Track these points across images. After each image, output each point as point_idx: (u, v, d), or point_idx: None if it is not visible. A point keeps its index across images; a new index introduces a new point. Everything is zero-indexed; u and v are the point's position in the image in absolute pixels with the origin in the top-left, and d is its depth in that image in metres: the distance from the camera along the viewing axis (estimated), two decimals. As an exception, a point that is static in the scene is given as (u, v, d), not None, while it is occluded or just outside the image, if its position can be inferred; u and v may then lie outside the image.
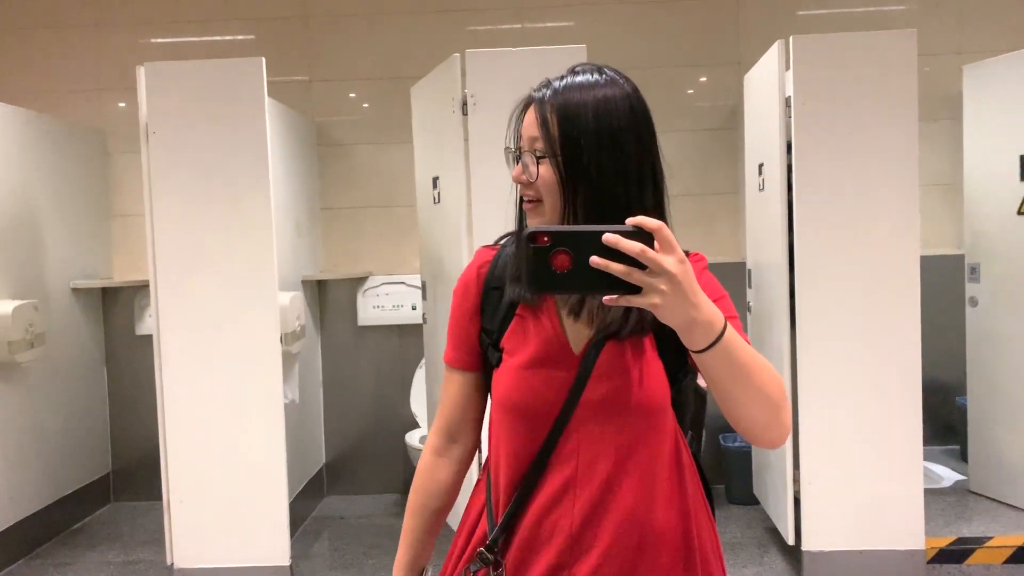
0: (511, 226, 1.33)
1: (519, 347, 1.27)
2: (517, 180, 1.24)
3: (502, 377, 1.28)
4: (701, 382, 1.30)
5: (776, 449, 1.19)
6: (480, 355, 1.34)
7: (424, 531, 1.37)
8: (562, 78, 1.22)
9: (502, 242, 1.36)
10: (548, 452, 1.24)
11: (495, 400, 1.31)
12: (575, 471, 1.24)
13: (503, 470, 1.29)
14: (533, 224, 1.22)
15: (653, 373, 1.23)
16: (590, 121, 1.17)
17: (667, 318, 1.00)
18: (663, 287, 0.96)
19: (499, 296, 1.30)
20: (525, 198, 1.24)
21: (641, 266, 0.95)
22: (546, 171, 1.19)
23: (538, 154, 1.20)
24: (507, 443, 1.28)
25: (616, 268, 0.95)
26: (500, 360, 1.29)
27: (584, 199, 1.17)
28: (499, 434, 1.30)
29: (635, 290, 0.97)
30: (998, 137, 3.91)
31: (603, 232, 0.95)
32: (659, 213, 1.20)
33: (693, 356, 1.06)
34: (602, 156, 1.17)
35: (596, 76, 1.21)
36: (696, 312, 1.00)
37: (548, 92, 1.21)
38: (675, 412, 1.28)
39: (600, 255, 0.95)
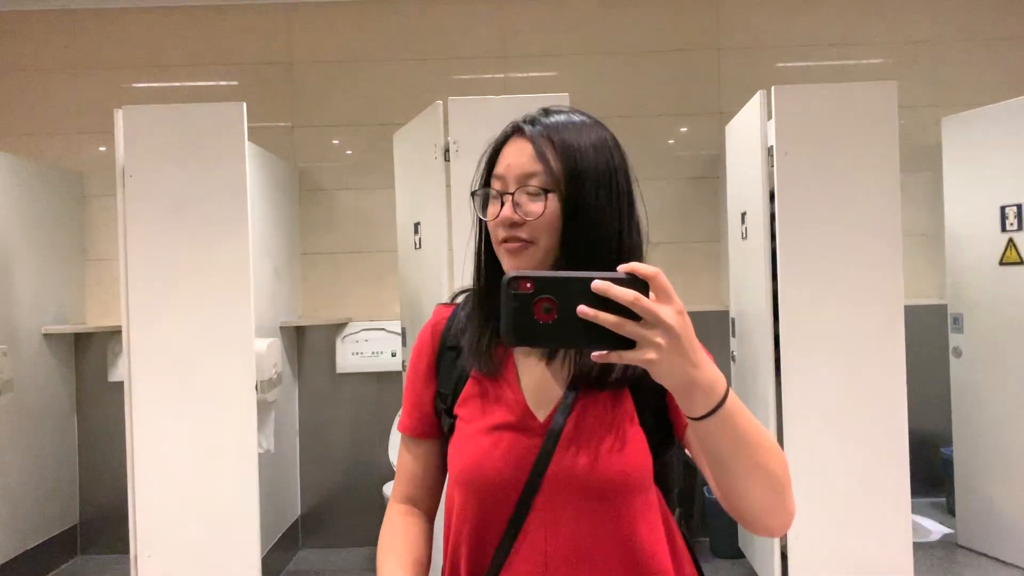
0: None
1: (474, 413, 1.14)
2: (505, 221, 1.11)
3: (456, 448, 1.15)
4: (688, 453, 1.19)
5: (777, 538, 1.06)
6: (437, 421, 1.22)
7: None
8: (547, 115, 1.15)
9: (459, 300, 1.26)
10: (511, 539, 1.09)
11: (451, 475, 1.17)
12: (545, 562, 1.08)
13: (463, 558, 1.14)
14: (512, 268, 1.12)
15: (632, 442, 1.09)
16: (591, 157, 1.11)
17: (664, 377, 0.88)
18: (660, 341, 0.85)
19: (455, 356, 1.20)
20: (511, 240, 1.11)
21: (635, 317, 0.86)
22: (547, 208, 1.10)
23: (534, 190, 1.10)
24: (465, 526, 1.13)
25: (606, 319, 0.85)
26: (453, 428, 1.17)
27: (583, 237, 1.09)
28: (458, 514, 1.15)
29: (628, 344, 0.86)
30: (978, 188, 3.93)
31: (592, 279, 0.86)
32: (639, 254, 1.14)
33: (690, 424, 0.93)
34: (600, 193, 1.10)
35: (579, 116, 1.16)
36: (696, 371, 0.88)
37: (539, 127, 1.13)
38: (660, 488, 1.14)
39: (588, 304, 0.85)
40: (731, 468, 0.96)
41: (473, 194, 1.18)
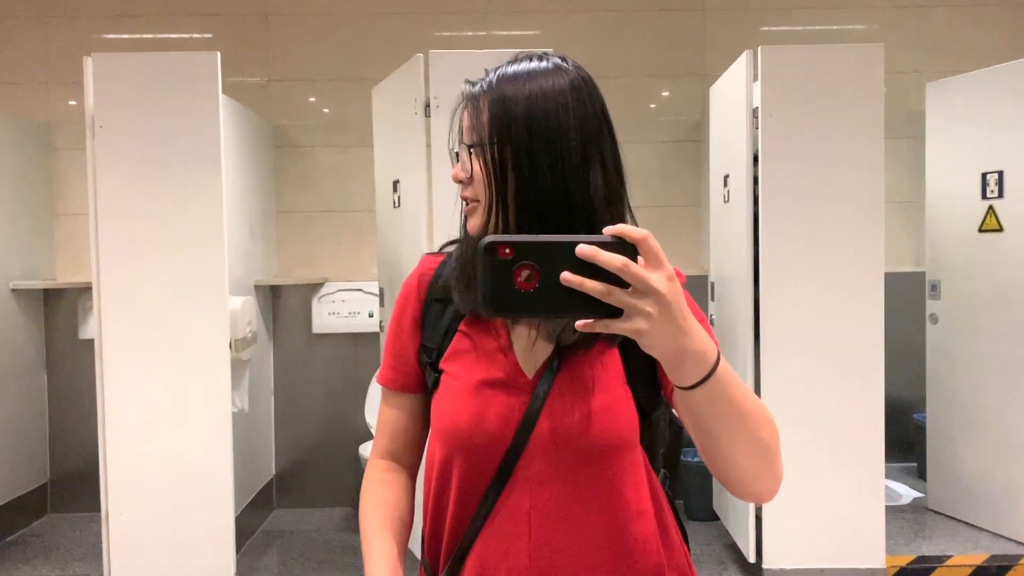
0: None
1: (462, 368, 1.11)
2: (456, 180, 1.11)
3: (441, 403, 1.12)
4: (676, 413, 1.16)
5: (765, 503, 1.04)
6: (421, 375, 1.18)
7: (400, 544, 1.14)
8: (499, 68, 1.10)
9: (447, 249, 1.21)
10: (494, 496, 1.06)
11: (433, 430, 1.14)
12: (528, 521, 1.06)
13: (447, 515, 1.12)
14: (472, 228, 1.10)
15: (620, 402, 1.07)
16: (521, 106, 1.04)
17: (653, 346, 0.83)
18: (649, 309, 0.80)
19: (441, 309, 1.15)
20: (465, 201, 1.11)
21: (623, 284, 0.80)
22: (475, 164, 1.08)
23: (471, 147, 1.08)
24: (448, 482, 1.11)
25: (592, 286, 0.79)
26: (437, 382, 1.13)
27: (515, 193, 1.04)
28: (440, 471, 1.12)
29: (615, 313, 0.81)
30: (960, 155, 3.93)
31: (577, 243, 0.80)
32: (615, 210, 1.07)
33: (679, 393, 0.90)
34: (534, 144, 1.03)
35: (537, 63, 1.08)
36: (687, 340, 0.83)
37: (484, 84, 1.09)
38: (645, 449, 1.12)
39: (573, 270, 0.80)
40: (721, 436, 0.93)
41: (451, 151, 1.16)
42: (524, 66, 1.08)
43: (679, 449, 1.20)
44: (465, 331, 1.13)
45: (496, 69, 1.10)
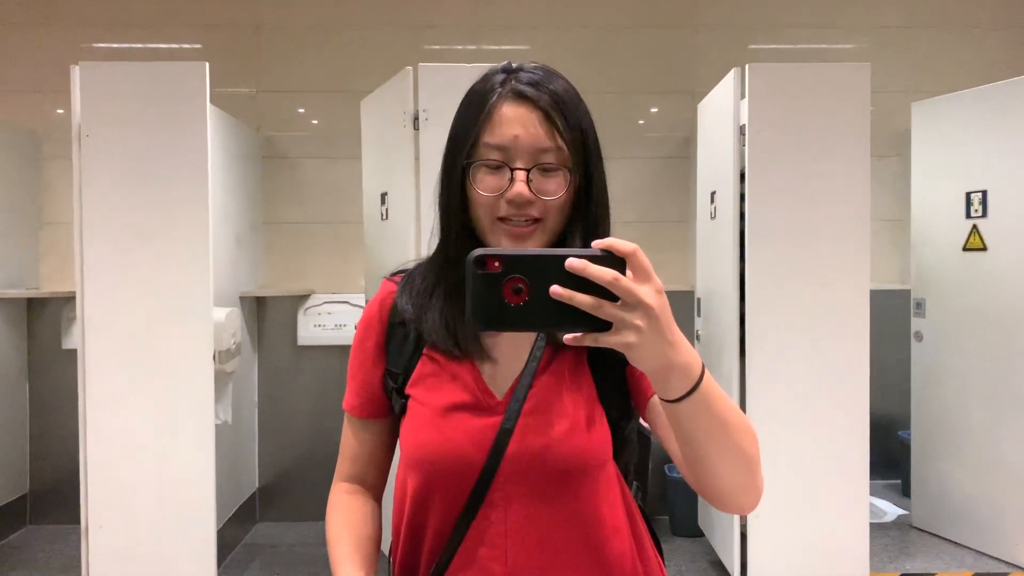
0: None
1: (429, 393, 1.08)
2: (519, 199, 1.01)
3: (410, 429, 1.08)
4: (644, 424, 1.15)
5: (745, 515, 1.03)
6: (387, 401, 1.15)
7: (369, 565, 1.11)
8: (535, 75, 1.04)
9: (408, 267, 1.19)
10: (468, 521, 1.04)
11: (403, 457, 1.10)
12: (504, 544, 1.04)
13: (418, 544, 1.09)
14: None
15: (593, 420, 1.05)
16: (592, 130, 1.05)
17: (642, 360, 0.83)
18: (639, 323, 0.79)
19: (405, 333, 1.12)
20: (518, 219, 1.02)
21: (612, 297, 0.80)
22: (559, 186, 1.02)
23: (551, 167, 1.02)
24: (422, 508, 1.08)
25: (582, 300, 0.78)
26: (405, 408, 1.10)
27: (595, 219, 1.05)
28: (413, 497, 1.09)
29: (604, 327, 0.80)
30: (944, 174, 3.96)
31: (566, 256, 0.79)
32: (607, 224, 1.08)
33: (664, 406, 0.89)
34: (600, 168, 1.06)
35: (562, 79, 1.07)
36: (674, 353, 0.83)
37: (544, 94, 1.02)
38: (619, 465, 1.11)
39: (563, 284, 0.79)
40: (704, 448, 0.92)
41: (468, 165, 1.04)
42: (564, 84, 1.06)
43: (648, 458, 1.20)
44: (430, 354, 1.10)
45: (537, 76, 1.04)
